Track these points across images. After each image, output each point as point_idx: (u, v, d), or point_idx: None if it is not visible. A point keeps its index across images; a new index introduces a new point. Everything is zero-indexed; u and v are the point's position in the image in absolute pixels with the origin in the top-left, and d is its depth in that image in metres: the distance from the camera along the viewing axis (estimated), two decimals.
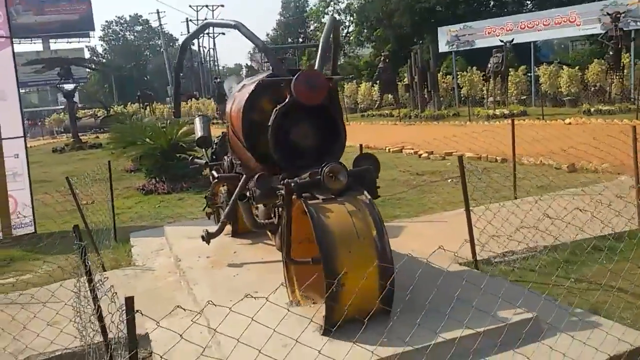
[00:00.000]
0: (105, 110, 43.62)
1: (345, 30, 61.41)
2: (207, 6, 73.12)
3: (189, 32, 73.34)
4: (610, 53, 21.20)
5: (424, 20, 43.37)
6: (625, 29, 21.51)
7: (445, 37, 30.13)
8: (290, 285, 4.53)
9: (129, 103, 53.65)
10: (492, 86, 24.89)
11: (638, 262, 5.28)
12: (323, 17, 65.14)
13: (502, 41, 23.58)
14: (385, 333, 3.55)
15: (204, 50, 77.10)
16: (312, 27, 70.04)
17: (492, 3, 46.43)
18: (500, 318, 3.80)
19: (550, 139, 12.43)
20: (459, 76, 28.37)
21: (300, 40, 69.78)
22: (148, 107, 43.53)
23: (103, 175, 8.08)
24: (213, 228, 5.98)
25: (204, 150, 7.19)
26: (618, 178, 9.17)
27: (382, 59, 27.66)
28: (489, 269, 5.56)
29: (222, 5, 75.30)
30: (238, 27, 4.89)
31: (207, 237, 5.80)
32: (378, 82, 30.27)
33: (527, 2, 46.79)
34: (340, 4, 63.46)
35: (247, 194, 4.82)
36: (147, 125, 14.09)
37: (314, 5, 67.39)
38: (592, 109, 19.93)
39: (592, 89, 21.83)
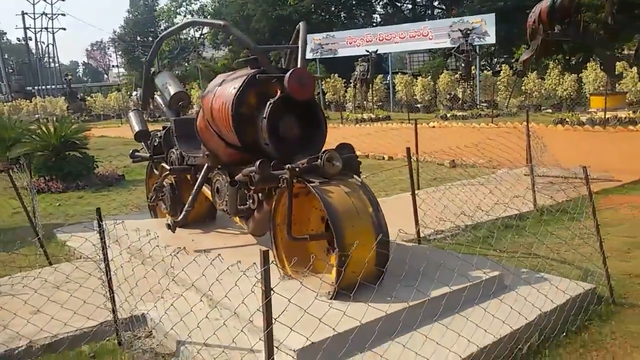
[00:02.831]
0: None
1: (199, 32, 61.04)
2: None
3: (24, 26, 67.73)
4: (462, 65, 23.82)
5: (281, 27, 44.63)
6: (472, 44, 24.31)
7: (310, 45, 31.47)
8: (280, 262, 4.96)
9: None
10: (357, 92, 26.59)
11: (540, 236, 6.47)
12: (175, 17, 63.97)
13: (367, 51, 25.32)
14: (393, 295, 4.12)
15: (42, 46, 71.60)
16: (162, 26, 68.22)
17: (342, 15, 49.10)
18: (473, 277, 4.57)
19: (423, 140, 13.73)
20: (323, 82, 29.88)
21: (151, 38, 67.60)
22: None
23: None
24: (175, 218, 6.19)
25: (143, 143, 7.25)
26: (495, 172, 10.62)
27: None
28: (429, 244, 6.42)
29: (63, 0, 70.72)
30: (227, 27, 5.21)
31: (173, 226, 6.00)
32: None
33: (375, 15, 50.33)
34: (193, 4, 62.92)
35: (237, 179, 5.13)
36: (23, 122, 13.30)
37: (165, 5, 65.99)
38: (449, 115, 22.23)
39: (448, 96, 24.29)
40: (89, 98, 43.32)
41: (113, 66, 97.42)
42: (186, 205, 6.10)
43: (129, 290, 4.39)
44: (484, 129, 16.56)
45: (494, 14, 26.00)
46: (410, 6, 48.09)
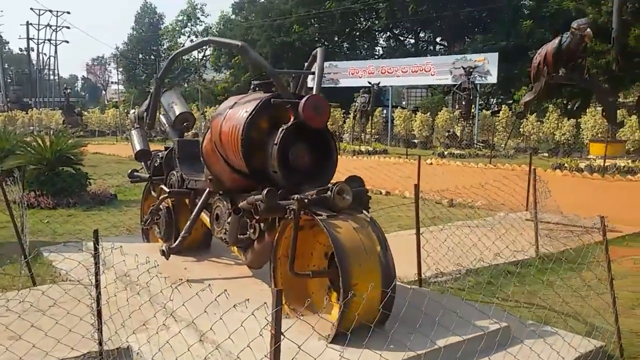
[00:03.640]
0: None
1: (202, 54, 61.35)
2: (50, 11, 68.26)
3: (27, 36, 67.86)
4: (463, 103, 23.87)
5: (284, 54, 45.00)
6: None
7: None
8: None
9: None
10: (356, 124, 26.59)
11: (543, 286, 6.29)
12: (179, 36, 64.31)
13: (370, 83, 25.38)
14: (389, 340, 3.87)
15: (43, 58, 71.58)
16: (165, 45, 68.53)
17: (345, 46, 49.55)
18: (481, 327, 4.34)
19: (404, 177, 13.45)
20: None
21: (153, 57, 67.91)
22: None
23: None
24: (168, 243, 5.95)
25: (143, 163, 7.03)
26: (495, 215, 10.43)
27: (252, 87, 28.10)
28: (429, 287, 6.19)
29: (68, 12, 70.96)
30: (244, 48, 5.06)
31: (168, 252, 5.75)
32: None
33: (377, 48, 50.81)
34: (198, 25, 63.32)
35: (241, 207, 4.89)
36: (18, 134, 13.07)
37: (170, 24, 66.31)
38: (446, 152, 22.18)
39: (446, 134, 24.28)
40: (85, 113, 43.15)
41: (112, 82, 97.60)
42: (183, 231, 5.87)
43: (119, 321, 4.13)
44: (483, 170, 16.47)
45: (497, 53, 26.18)
46: (412, 41, 48.54)
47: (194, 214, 5.85)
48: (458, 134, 24.36)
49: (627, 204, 12.24)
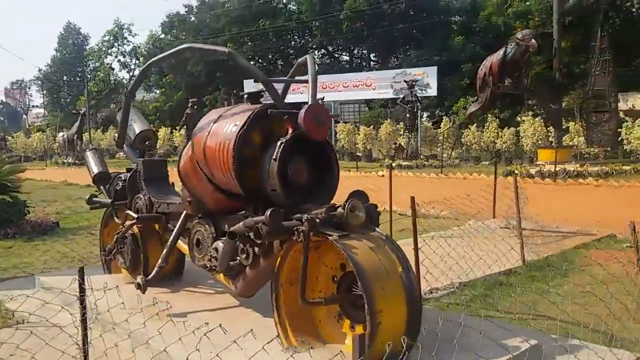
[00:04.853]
0: None
1: (130, 74, 59.57)
2: None
3: None
4: (407, 115, 24.00)
5: (217, 72, 44.20)
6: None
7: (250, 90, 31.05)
8: (283, 331, 4.22)
9: None
10: None
11: (540, 293, 6.09)
12: (106, 57, 62.11)
13: None
14: None
15: None
16: (91, 67, 65.86)
17: (279, 62, 49.33)
18: (510, 347, 4.00)
19: (376, 189, 13.13)
20: None
21: (79, 78, 65.16)
22: None
23: None
24: (135, 274, 5.35)
25: (102, 187, 6.33)
26: (465, 224, 10.24)
27: (190, 105, 27.56)
28: (428, 304, 5.82)
29: None
30: (232, 55, 4.56)
31: (144, 285, 5.10)
32: (186, 127, 29.93)
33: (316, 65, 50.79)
34: (125, 46, 61.32)
35: (237, 231, 4.33)
36: None
37: (96, 44, 63.88)
38: (394, 164, 22.14)
39: (393, 146, 24.32)
40: (9, 138, 40.77)
41: (33, 106, 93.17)
42: (160, 261, 5.25)
43: None
44: (437, 180, 16.44)
45: (436, 67, 26.62)
46: (347, 57, 48.88)
47: (170, 240, 5.25)
48: (404, 146, 24.47)
49: (589, 206, 12.45)
